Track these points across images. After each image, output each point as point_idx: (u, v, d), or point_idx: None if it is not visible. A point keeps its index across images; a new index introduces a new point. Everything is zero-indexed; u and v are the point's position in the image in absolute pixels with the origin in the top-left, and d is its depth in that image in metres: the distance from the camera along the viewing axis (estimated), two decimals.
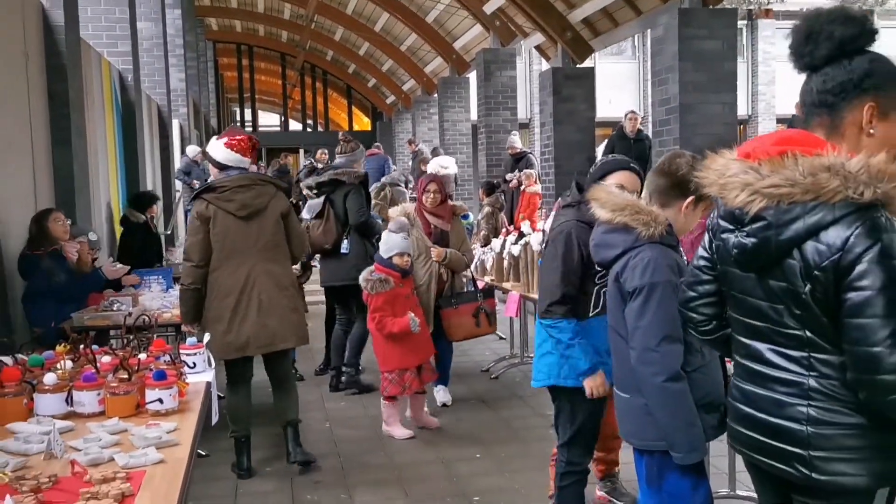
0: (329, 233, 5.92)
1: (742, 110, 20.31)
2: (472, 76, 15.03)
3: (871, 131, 1.78)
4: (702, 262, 2.04)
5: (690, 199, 2.65)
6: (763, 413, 1.84)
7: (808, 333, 1.76)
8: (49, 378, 2.60)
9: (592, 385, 3.11)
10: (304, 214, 6.18)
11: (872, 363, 1.63)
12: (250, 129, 26.22)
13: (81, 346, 2.93)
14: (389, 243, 4.95)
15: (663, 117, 7.23)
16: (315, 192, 6.17)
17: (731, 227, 1.88)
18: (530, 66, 22.36)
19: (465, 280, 5.74)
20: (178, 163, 13.55)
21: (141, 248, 7.17)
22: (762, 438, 1.85)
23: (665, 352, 2.48)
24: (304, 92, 26.42)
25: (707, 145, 2.11)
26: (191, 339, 3.24)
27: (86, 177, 6.63)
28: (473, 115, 15.36)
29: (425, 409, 5.17)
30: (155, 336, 3.33)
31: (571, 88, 9.99)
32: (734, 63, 7.13)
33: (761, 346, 1.87)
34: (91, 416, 2.58)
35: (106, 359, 2.92)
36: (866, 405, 1.71)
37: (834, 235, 1.68)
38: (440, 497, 4.11)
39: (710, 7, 7.21)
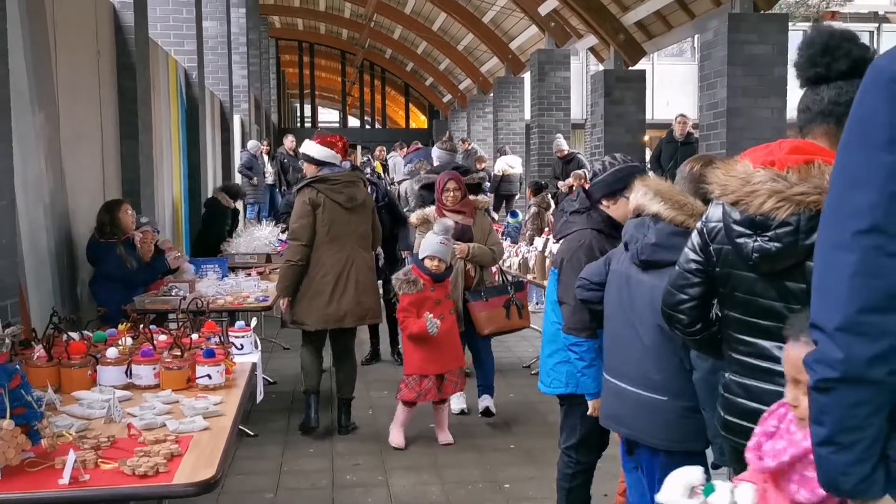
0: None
1: (793, 115, 19.93)
2: (527, 76, 15.16)
3: None
4: (693, 266, 2.12)
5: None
6: (769, 406, 1.94)
7: None
8: (111, 352, 2.86)
9: (596, 406, 3.09)
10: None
11: None
12: (309, 124, 26.78)
13: (141, 326, 3.18)
14: (424, 244, 4.77)
15: (711, 121, 7.27)
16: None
17: (749, 231, 1.95)
18: (587, 66, 22.34)
19: (494, 275, 5.63)
20: (237, 157, 13.97)
21: (228, 232, 7.77)
22: None
23: None
24: (362, 89, 26.86)
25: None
26: (239, 323, 3.48)
27: (151, 169, 6.99)
28: (527, 115, 15.49)
29: (445, 421, 4.89)
30: (208, 319, 3.57)
31: (622, 90, 10.06)
32: (785, 68, 7.13)
33: (768, 344, 1.97)
34: (147, 388, 2.83)
35: (162, 338, 3.18)
36: None
37: None
38: (472, 482, 4.28)
39: (762, 12, 7.23)
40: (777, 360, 1.94)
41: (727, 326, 2.11)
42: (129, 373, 2.86)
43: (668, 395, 2.65)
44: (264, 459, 4.64)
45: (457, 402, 5.33)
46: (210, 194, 9.34)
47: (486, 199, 5.65)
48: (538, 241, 6.66)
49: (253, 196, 14.16)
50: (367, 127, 27.34)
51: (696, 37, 20.60)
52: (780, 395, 1.94)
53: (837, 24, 20.02)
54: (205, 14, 11.07)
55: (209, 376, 2.84)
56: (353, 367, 5.13)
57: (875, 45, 24.48)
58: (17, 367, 2.11)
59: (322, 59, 26.48)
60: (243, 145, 14.46)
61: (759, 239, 1.93)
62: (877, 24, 23.79)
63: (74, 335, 3.16)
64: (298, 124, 27.42)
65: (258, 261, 7.60)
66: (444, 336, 4.65)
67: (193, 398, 2.67)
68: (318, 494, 4.21)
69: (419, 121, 27.71)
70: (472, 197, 5.38)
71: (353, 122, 28.69)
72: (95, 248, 5.06)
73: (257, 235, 8.10)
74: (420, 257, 4.75)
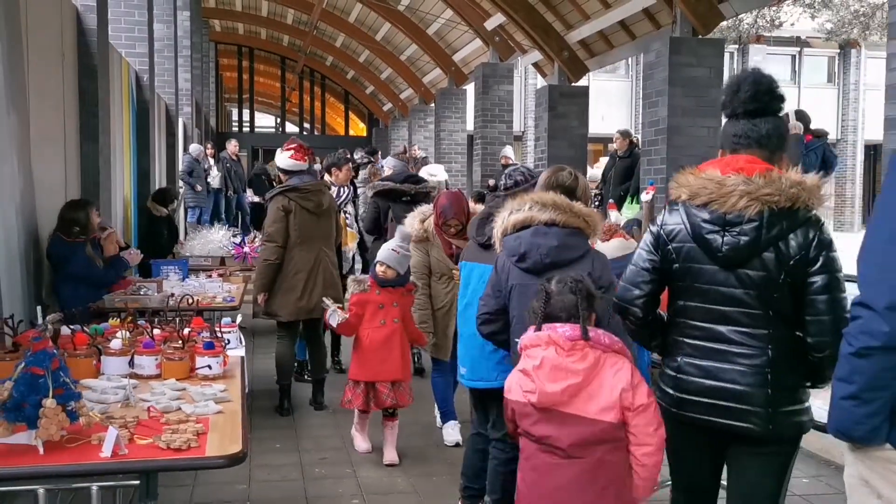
0: None
1: None
2: (470, 88, 15.50)
3: (786, 166, 2.36)
4: (648, 264, 2.45)
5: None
6: (727, 383, 2.30)
7: (772, 313, 2.25)
8: (115, 343, 3.03)
9: None
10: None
11: (841, 324, 2.05)
12: (247, 129, 26.63)
13: (140, 320, 3.34)
14: (381, 248, 4.70)
15: (652, 137, 7.71)
16: (408, 199, 6.26)
17: (718, 228, 2.31)
18: (525, 81, 22.89)
19: None
20: (181, 161, 13.90)
21: (168, 240, 7.75)
22: (724, 403, 2.29)
23: None
24: (301, 95, 26.83)
25: (694, 165, 2.52)
26: (226, 320, 3.67)
27: (108, 171, 7.03)
28: (469, 126, 15.82)
29: (392, 439, 4.72)
30: (195, 315, 3.74)
31: (566, 105, 10.48)
32: (720, 90, 7.62)
33: (724, 329, 2.33)
34: (149, 377, 3.00)
35: (156, 332, 3.35)
36: (821, 363, 2.20)
37: (802, 234, 2.22)
38: (437, 475, 4.54)
39: (700, 37, 7.71)
40: (731, 342, 2.31)
41: (683, 315, 2.43)
42: (131, 363, 3.02)
43: None
44: None
45: (451, 434, 5.01)
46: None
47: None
48: None
49: (194, 200, 14.06)
50: (306, 133, 27.32)
51: (633, 56, 21.41)
52: (734, 371, 2.29)
53: (813, 32, 21.08)
54: (154, 16, 11.08)
55: (209, 366, 3.03)
56: (323, 351, 5.88)
57: (797, 68, 25.72)
58: (55, 351, 2.27)
59: (262, 64, 26.35)
60: (185, 149, 14.39)
61: (727, 234, 2.28)
62: (798, 49, 25.03)
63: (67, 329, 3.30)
64: (236, 129, 27.23)
65: (213, 263, 7.71)
66: (379, 344, 4.55)
67: (199, 386, 2.85)
68: (289, 486, 4.40)
69: (358, 129, 27.83)
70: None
71: (292, 128, 28.61)
72: (61, 248, 5.10)
73: (212, 238, 8.21)
74: (374, 261, 4.73)
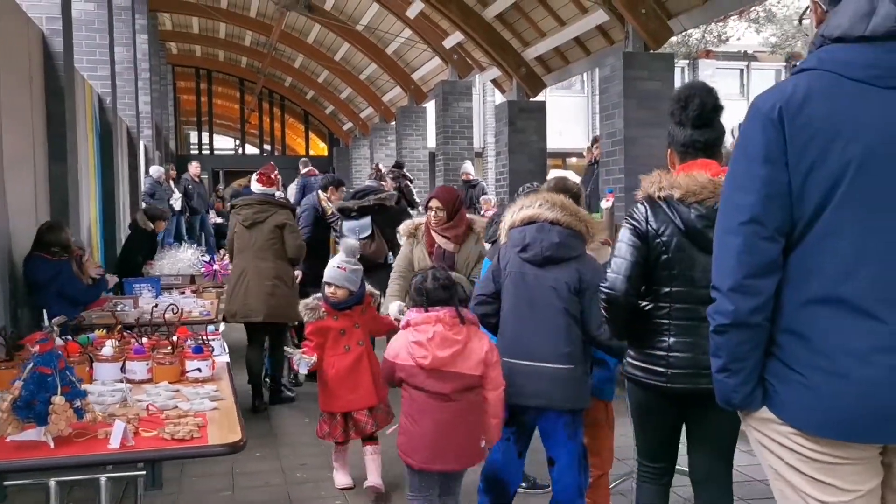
0: (381, 250, 6.58)
1: None
2: (430, 106, 15.76)
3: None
4: (632, 259, 2.72)
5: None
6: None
7: None
8: (107, 350, 3.14)
9: None
10: (349, 235, 6.39)
11: None
12: (207, 152, 26.55)
13: (132, 329, 3.46)
14: (326, 269, 4.30)
15: (611, 148, 8.00)
16: (355, 214, 6.61)
17: (711, 223, 2.52)
18: (484, 98, 23.24)
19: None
20: (143, 183, 13.90)
21: (147, 254, 7.88)
22: (706, 371, 2.48)
23: None
24: (261, 117, 26.87)
25: (649, 174, 2.86)
26: (210, 328, 3.80)
27: (77, 192, 7.09)
28: (430, 143, 16.06)
29: (376, 465, 4.38)
30: (179, 325, 3.85)
31: (525, 120, 10.77)
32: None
33: (705, 309, 2.60)
34: (141, 382, 3.12)
35: (144, 340, 3.47)
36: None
37: None
38: None
39: (651, 51, 8.04)
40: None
41: (669, 301, 2.72)
42: (123, 368, 3.13)
43: (574, 363, 3.25)
44: (214, 463, 4.88)
45: None
46: (124, 219, 9.44)
47: (482, 222, 4.88)
48: None
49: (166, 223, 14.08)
50: (266, 154, 27.33)
51: (588, 72, 21.92)
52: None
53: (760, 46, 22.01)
54: (115, 39, 11.13)
55: (199, 369, 3.16)
56: (278, 351, 6.13)
57: (745, 82, 26.52)
58: (61, 352, 2.40)
59: (220, 86, 26.36)
60: (146, 171, 14.39)
61: None
62: (746, 63, 25.83)
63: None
64: (196, 151, 27.12)
65: (182, 282, 7.78)
66: (347, 371, 4.21)
67: (191, 387, 2.98)
68: (272, 490, 4.52)
69: (319, 148, 27.91)
70: (469, 217, 4.91)
71: (252, 149, 28.58)
72: (47, 267, 5.16)
73: (181, 257, 8.28)
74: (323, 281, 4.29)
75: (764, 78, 26.26)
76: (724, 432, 2.77)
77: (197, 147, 27.69)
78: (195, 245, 10.03)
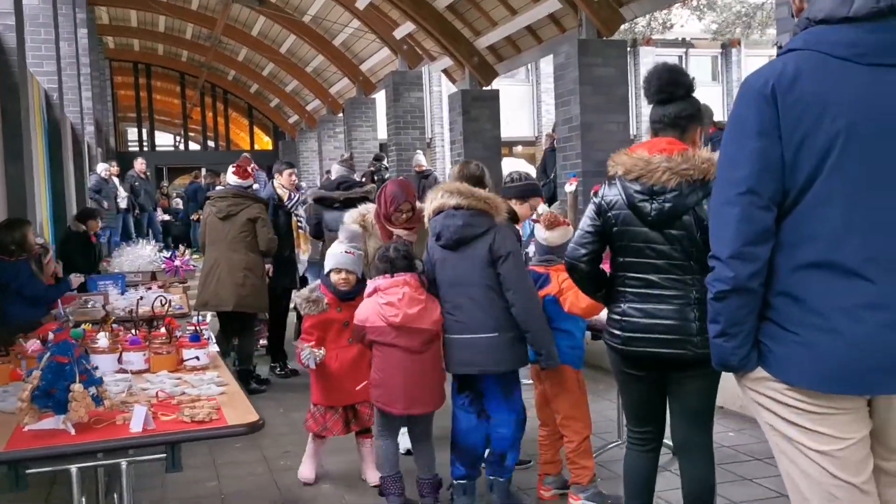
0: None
1: (636, 129, 21.89)
2: (379, 97, 15.76)
3: (698, 144, 2.90)
4: (591, 229, 2.94)
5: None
6: (665, 319, 2.79)
7: (693, 263, 2.75)
8: (102, 342, 3.15)
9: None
10: (333, 225, 5.88)
11: None
12: (147, 149, 26.02)
13: (126, 322, 3.46)
14: (329, 255, 4.18)
15: (567, 134, 8.17)
16: (338, 205, 6.18)
17: (647, 197, 2.80)
18: (430, 88, 23.28)
19: None
20: (89, 180, 13.61)
21: (82, 257, 7.62)
22: (663, 336, 2.78)
23: (537, 294, 3.73)
24: (204, 112, 26.42)
25: (605, 159, 3.05)
26: (199, 318, 3.82)
27: (33, 190, 6.95)
28: (381, 134, 16.08)
29: (370, 458, 4.35)
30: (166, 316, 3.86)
31: (479, 109, 10.89)
32: (626, 87, 8.16)
33: (656, 277, 2.83)
34: (139, 372, 3.13)
35: (132, 332, 3.47)
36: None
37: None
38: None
39: (604, 38, 8.23)
40: (663, 287, 2.82)
41: (624, 270, 2.92)
42: (119, 360, 3.15)
43: (499, 331, 3.59)
44: (194, 456, 4.88)
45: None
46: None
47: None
48: None
49: (104, 220, 13.78)
50: (210, 149, 26.91)
51: (532, 62, 22.15)
52: (668, 310, 2.79)
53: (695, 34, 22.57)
54: (58, 34, 10.87)
55: (197, 358, 3.19)
56: (248, 344, 6.48)
57: (685, 65, 27.09)
58: (75, 342, 2.41)
59: (160, 80, 25.83)
60: (91, 169, 14.08)
61: (655, 201, 2.80)
62: (685, 49, 26.40)
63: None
64: (136, 148, 26.55)
65: (143, 278, 7.69)
66: (351, 364, 4.09)
67: (192, 375, 3.02)
68: (258, 478, 4.55)
69: (263, 142, 27.60)
70: (419, 205, 4.62)
71: (194, 145, 28.10)
72: (5, 268, 5.10)
73: (140, 254, 8.18)
74: (326, 271, 4.16)
75: (701, 64, 26.86)
76: (698, 401, 2.92)
77: (137, 144, 27.11)
78: (152, 241, 9.86)
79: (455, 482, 3.79)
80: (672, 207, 2.75)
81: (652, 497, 3.06)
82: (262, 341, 7.65)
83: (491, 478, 3.84)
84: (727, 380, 2.50)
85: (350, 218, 4.68)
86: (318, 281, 4.21)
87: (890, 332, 1.85)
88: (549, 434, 4.04)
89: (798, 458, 1.97)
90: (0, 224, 5.38)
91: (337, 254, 4.10)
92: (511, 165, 10.75)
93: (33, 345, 3.07)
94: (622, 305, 2.89)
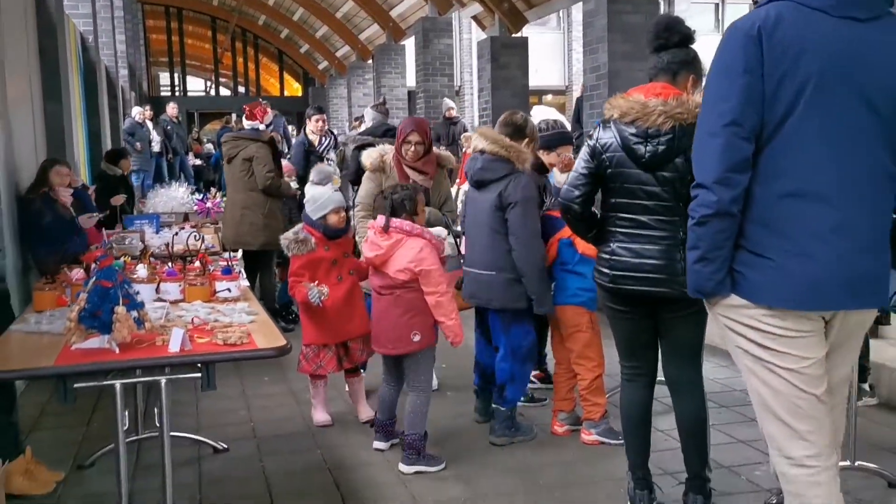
0: None
1: None
2: (408, 43, 15.70)
3: (689, 91, 2.97)
4: (585, 171, 3.04)
5: (526, 140, 4.03)
6: (653, 259, 2.92)
7: (681, 204, 2.83)
8: (141, 272, 3.34)
9: None
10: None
11: None
12: (179, 93, 26.20)
13: (162, 258, 3.66)
14: (319, 200, 4.16)
15: (594, 82, 8.18)
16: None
17: (642, 140, 2.91)
18: (460, 36, 23.09)
19: (447, 244, 5.15)
20: (123, 123, 13.84)
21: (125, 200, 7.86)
22: (650, 275, 2.92)
23: (540, 243, 3.93)
24: (234, 57, 26.48)
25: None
26: (231, 253, 4.00)
27: (71, 131, 7.15)
28: (409, 81, 16.06)
29: (362, 395, 4.53)
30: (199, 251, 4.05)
31: (508, 56, 10.86)
32: None
33: (646, 218, 2.95)
34: (175, 302, 3.33)
35: (169, 264, 3.66)
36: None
37: None
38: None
39: None
40: (652, 228, 2.95)
41: (615, 211, 3.03)
42: (157, 290, 3.34)
43: (498, 270, 3.89)
44: (227, 387, 5.14)
45: None
46: None
47: (451, 156, 4.90)
48: None
49: (137, 164, 13.97)
50: (240, 95, 27.02)
51: (564, 9, 21.81)
52: (655, 250, 2.92)
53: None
54: None
55: (229, 290, 3.38)
56: (268, 282, 6.71)
57: (720, 17, 26.56)
58: (118, 268, 2.59)
59: (191, 25, 25.88)
60: (125, 113, 14.29)
61: (650, 144, 2.91)
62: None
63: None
64: (168, 93, 26.75)
65: (176, 219, 7.91)
66: (343, 301, 4.15)
67: (224, 305, 3.20)
68: (286, 409, 4.79)
69: (293, 89, 27.64)
70: (436, 151, 4.76)
71: (225, 91, 28.24)
72: (31, 204, 5.25)
73: (173, 196, 8.38)
74: (319, 215, 4.14)
75: (738, 13, 26.26)
76: (686, 339, 3.07)
77: (169, 88, 27.31)
78: (186, 184, 10.07)
79: (474, 386, 4.43)
80: (666, 150, 2.87)
81: (649, 430, 3.19)
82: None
83: (493, 406, 4.11)
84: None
85: (368, 158, 4.70)
86: (301, 224, 4.22)
87: (853, 254, 2.10)
88: (564, 372, 4.21)
89: (767, 376, 2.20)
90: (46, 162, 5.55)
91: (332, 194, 4.23)
92: (542, 114, 10.72)
93: (77, 273, 3.27)
94: (612, 245, 3.02)
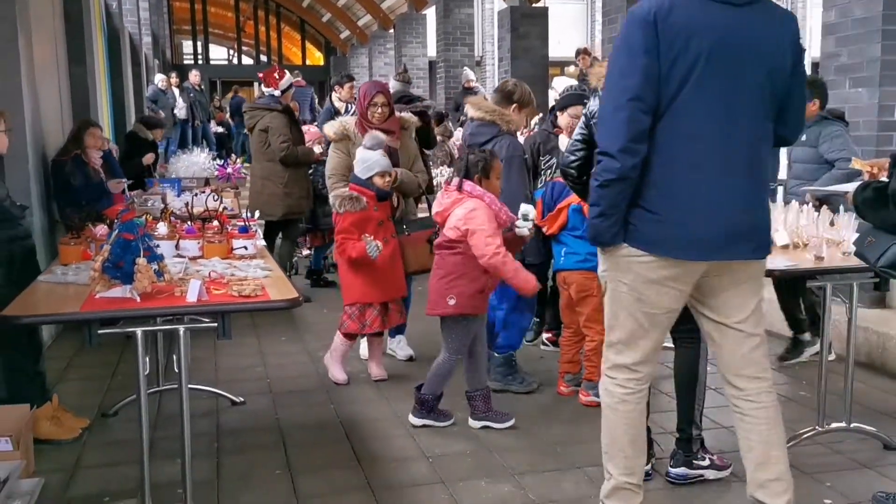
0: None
1: None
2: (430, 13, 15.70)
3: None
4: (580, 137, 3.13)
5: (515, 105, 4.32)
6: None
7: None
8: (162, 230, 3.48)
9: None
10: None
11: None
12: (202, 61, 26.32)
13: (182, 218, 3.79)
14: (369, 161, 4.29)
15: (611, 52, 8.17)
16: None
17: None
18: (483, 5, 22.97)
19: (418, 205, 5.20)
20: (147, 90, 14.00)
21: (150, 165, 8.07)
22: None
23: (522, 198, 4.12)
24: (257, 26, 26.52)
25: None
26: (248, 214, 4.13)
27: (95, 94, 7.30)
28: (430, 51, 16.07)
29: (379, 355, 4.71)
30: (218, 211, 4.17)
31: (528, 26, 10.86)
32: None
33: None
34: (193, 258, 3.46)
35: (188, 223, 3.79)
36: None
37: None
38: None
39: None
40: None
41: None
42: (177, 246, 3.48)
43: None
44: (244, 346, 5.32)
45: (403, 350, 5.03)
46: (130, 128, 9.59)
47: (412, 117, 4.97)
48: (445, 169, 7.39)
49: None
50: (262, 64, 27.09)
51: None
52: None
53: None
54: None
55: (245, 248, 3.50)
56: (285, 250, 6.88)
57: None
58: (140, 222, 2.72)
59: None
60: (148, 79, 14.44)
61: None
62: None
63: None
64: (190, 61, 26.87)
65: (197, 184, 8.06)
66: (388, 261, 4.33)
67: (241, 262, 3.33)
68: (301, 367, 4.95)
69: (315, 58, 27.68)
70: (398, 114, 4.81)
71: (247, 59, 28.31)
72: (53, 166, 5.42)
73: (195, 161, 8.53)
74: (367, 176, 4.29)
75: None
76: None
77: (192, 56, 27.43)
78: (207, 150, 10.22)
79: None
80: None
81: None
82: (306, 251, 8.06)
83: (490, 351, 4.29)
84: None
85: (331, 128, 4.71)
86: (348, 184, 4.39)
87: (734, 213, 2.46)
88: (572, 335, 4.32)
89: (628, 301, 2.58)
90: (81, 122, 5.71)
91: (379, 158, 4.31)
92: (563, 83, 10.73)
93: (101, 229, 3.41)
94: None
